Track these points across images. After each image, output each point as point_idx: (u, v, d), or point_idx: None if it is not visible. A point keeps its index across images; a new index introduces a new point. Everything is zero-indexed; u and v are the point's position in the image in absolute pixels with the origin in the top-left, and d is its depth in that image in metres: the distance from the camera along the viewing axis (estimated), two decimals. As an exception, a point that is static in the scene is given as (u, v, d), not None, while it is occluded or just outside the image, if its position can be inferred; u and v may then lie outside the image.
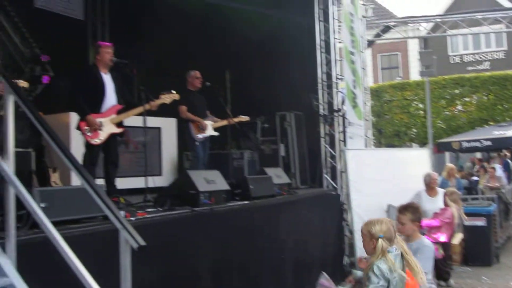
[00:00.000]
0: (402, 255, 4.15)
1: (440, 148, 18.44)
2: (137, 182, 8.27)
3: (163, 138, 10.58)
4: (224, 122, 8.69)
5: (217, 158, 9.42)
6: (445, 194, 8.84)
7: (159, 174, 10.38)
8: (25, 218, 4.12)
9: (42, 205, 4.16)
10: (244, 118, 8.97)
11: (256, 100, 11.11)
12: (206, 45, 11.50)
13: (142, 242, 3.29)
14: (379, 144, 22.90)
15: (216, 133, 8.74)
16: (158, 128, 10.39)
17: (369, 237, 4.14)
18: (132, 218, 5.19)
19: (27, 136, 9.09)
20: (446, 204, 8.62)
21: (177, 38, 11.78)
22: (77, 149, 9.21)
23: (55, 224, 3.81)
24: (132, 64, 6.74)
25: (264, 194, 7.73)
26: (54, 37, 11.60)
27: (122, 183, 7.06)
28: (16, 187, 3.63)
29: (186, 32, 11.74)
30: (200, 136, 8.49)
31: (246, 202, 7.21)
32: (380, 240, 4.06)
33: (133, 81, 6.68)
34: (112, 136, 6.65)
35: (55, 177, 8.84)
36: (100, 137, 6.52)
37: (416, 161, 11.64)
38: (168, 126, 10.48)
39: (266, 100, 11.16)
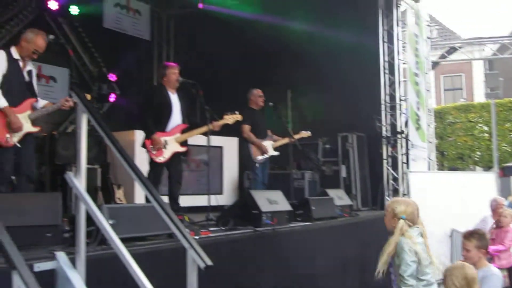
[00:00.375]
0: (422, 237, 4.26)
1: (506, 172, 17.89)
2: (197, 200, 8.35)
3: (225, 157, 10.64)
4: (284, 141, 8.66)
5: (277, 178, 9.39)
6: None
7: (220, 192, 10.43)
8: (94, 234, 4.21)
9: (110, 221, 4.23)
10: (305, 134, 8.95)
11: (318, 121, 11.07)
12: (268, 65, 11.55)
13: (209, 262, 3.29)
14: (441, 166, 22.41)
15: (276, 153, 8.73)
16: (220, 147, 10.46)
17: (392, 215, 4.29)
18: (196, 237, 5.21)
19: (94, 154, 9.35)
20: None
21: (238, 57, 11.91)
22: (141, 167, 9.46)
23: (122, 240, 3.88)
24: (198, 84, 6.82)
25: (326, 216, 7.66)
26: (121, 57, 11.95)
27: (183, 200, 7.11)
28: (87, 204, 3.70)
29: (248, 51, 11.84)
30: (259, 158, 8.50)
31: (308, 223, 7.15)
32: (401, 220, 4.20)
33: (199, 101, 6.73)
34: (176, 155, 6.75)
35: (119, 194, 9.02)
36: (164, 156, 6.64)
37: (481, 185, 11.30)
38: (230, 145, 10.53)
39: (328, 120, 11.08)
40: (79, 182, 3.79)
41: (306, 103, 11.03)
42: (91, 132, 10.13)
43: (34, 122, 5.71)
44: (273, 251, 6.15)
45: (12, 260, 2.31)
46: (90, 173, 9.28)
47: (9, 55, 5.51)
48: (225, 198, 10.20)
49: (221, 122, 6.95)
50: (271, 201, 6.56)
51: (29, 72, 5.74)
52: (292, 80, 11.53)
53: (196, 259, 3.30)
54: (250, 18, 11.79)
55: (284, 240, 6.42)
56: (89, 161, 9.29)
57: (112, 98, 12.02)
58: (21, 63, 5.62)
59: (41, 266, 3.67)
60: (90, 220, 3.87)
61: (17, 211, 3.99)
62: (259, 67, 11.61)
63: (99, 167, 9.32)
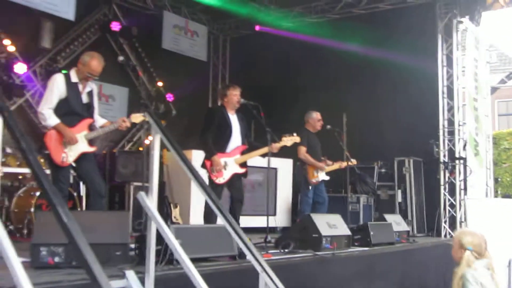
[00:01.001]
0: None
1: None
2: (251, 221, 8.36)
3: (279, 178, 10.64)
4: (336, 166, 8.63)
5: (332, 201, 9.31)
6: None
7: (274, 214, 10.39)
8: (162, 254, 4.24)
9: (178, 241, 4.25)
10: (353, 161, 8.83)
11: (374, 145, 10.96)
12: (323, 87, 11.55)
13: (282, 286, 3.26)
14: (495, 193, 21.78)
15: (327, 178, 8.66)
16: (275, 169, 10.45)
17: (458, 246, 4.16)
18: (258, 259, 5.19)
19: (152, 172, 9.43)
20: None
21: (293, 80, 11.96)
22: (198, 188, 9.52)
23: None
24: (259, 106, 6.83)
25: (384, 241, 7.54)
26: (178, 77, 12.15)
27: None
28: (159, 224, 3.73)
29: (303, 74, 11.88)
30: (314, 180, 8.45)
31: (366, 248, 7.05)
32: (468, 251, 4.08)
33: (260, 123, 6.74)
34: (236, 175, 6.75)
35: (175, 213, 9.08)
36: (224, 177, 6.66)
37: (540, 214, 10.92)
38: (284, 167, 10.52)
39: (384, 144, 10.97)
40: (150, 202, 3.82)
41: (362, 126, 10.92)
42: (148, 152, 10.28)
43: (91, 142, 5.81)
44: (332, 276, 6.07)
45: (98, 280, 2.33)
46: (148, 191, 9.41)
47: (67, 78, 5.61)
48: (278, 219, 10.18)
49: (279, 144, 6.91)
50: (331, 225, 6.51)
51: (89, 93, 5.84)
52: (347, 103, 11.44)
53: (269, 283, 3.28)
54: (306, 41, 11.83)
55: (343, 265, 6.34)
56: (147, 180, 9.48)
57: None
58: (80, 86, 5.71)
59: (113, 284, 3.71)
60: (157, 239, 3.90)
61: (89, 229, 4.04)
62: (315, 89, 11.63)
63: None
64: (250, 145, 7.00)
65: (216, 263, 4.80)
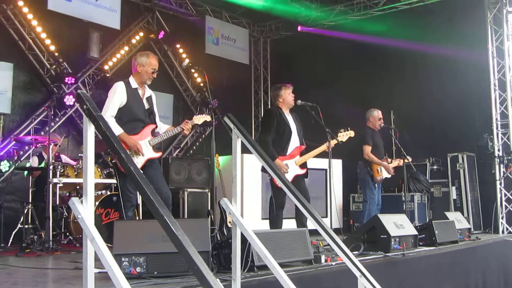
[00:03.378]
0: None
1: None
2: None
3: (328, 179, 10.46)
4: (395, 164, 8.43)
5: (386, 201, 9.12)
6: None
7: (325, 216, 10.23)
8: (245, 260, 4.13)
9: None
10: (409, 159, 8.64)
11: (424, 141, 10.74)
12: (369, 85, 11.38)
13: (382, 291, 3.12)
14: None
15: (389, 175, 8.47)
16: (325, 170, 10.28)
17: None
18: (333, 263, 5.06)
19: (204, 178, 9.40)
20: None
21: (337, 78, 11.80)
22: (251, 191, 9.44)
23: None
24: (318, 107, 6.70)
25: (448, 240, 7.33)
26: (222, 81, 12.09)
27: (288, 224, 6.93)
28: (244, 229, 3.62)
29: (347, 72, 11.71)
30: (379, 178, 8.28)
31: (432, 248, 6.85)
32: None
33: (319, 123, 6.61)
34: (298, 176, 6.61)
35: (230, 218, 8.99)
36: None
37: None
38: (334, 167, 10.35)
39: (435, 141, 10.73)
40: (234, 207, 3.71)
41: (411, 123, 10.70)
42: (199, 157, 10.24)
43: (156, 148, 5.74)
44: (403, 277, 5.91)
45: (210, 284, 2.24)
46: (201, 196, 9.37)
47: (128, 85, 5.56)
48: (329, 221, 10.03)
49: (335, 141, 6.77)
50: (398, 225, 6.33)
51: (149, 99, 5.77)
52: (395, 100, 11.26)
53: (368, 287, 3.13)
54: (349, 39, 11.67)
55: (412, 265, 6.18)
56: (200, 185, 9.44)
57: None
58: (140, 91, 5.65)
59: (200, 294, 3.61)
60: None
61: (170, 238, 3.97)
62: (360, 87, 11.45)
63: (208, 190, 9.39)
64: (306, 145, 6.87)
65: (296, 268, 4.68)
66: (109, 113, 5.42)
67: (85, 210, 2.70)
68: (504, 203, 9.92)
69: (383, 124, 8.52)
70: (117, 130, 5.37)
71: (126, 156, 2.66)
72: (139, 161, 5.48)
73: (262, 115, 13.42)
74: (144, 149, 5.52)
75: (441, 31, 10.54)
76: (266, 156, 3.70)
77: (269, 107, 12.84)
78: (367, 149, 8.21)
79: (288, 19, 12.62)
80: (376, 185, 8.21)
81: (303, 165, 6.71)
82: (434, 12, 10.87)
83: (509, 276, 8.88)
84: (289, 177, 6.50)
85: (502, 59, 10.04)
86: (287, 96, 6.79)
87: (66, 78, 9.42)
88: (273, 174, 3.65)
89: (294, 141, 6.71)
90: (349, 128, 7.12)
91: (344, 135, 7.01)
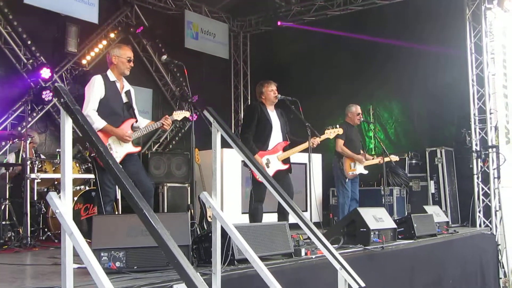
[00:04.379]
0: None
1: None
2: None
3: (308, 173, 10.49)
4: (376, 161, 8.49)
5: (364, 195, 9.19)
6: None
7: (305, 210, 10.26)
8: (225, 254, 4.12)
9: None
10: (394, 158, 8.70)
11: (403, 135, 10.84)
12: (348, 80, 11.44)
13: (362, 283, 3.14)
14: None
15: (365, 172, 8.51)
16: (304, 164, 10.29)
17: None
18: (313, 256, 5.08)
19: (184, 172, 9.38)
20: None
21: (317, 74, 11.83)
22: (230, 185, 9.42)
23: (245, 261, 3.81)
24: (298, 101, 6.72)
25: (427, 233, 7.41)
26: (201, 76, 12.05)
27: (269, 218, 6.93)
28: (226, 224, 3.62)
29: (328, 68, 11.74)
30: (351, 173, 8.31)
31: (411, 240, 6.92)
32: None
33: (299, 118, 6.62)
34: (280, 171, 6.62)
35: (210, 212, 8.98)
36: (267, 174, 6.50)
37: None
38: (313, 162, 10.36)
39: (414, 135, 10.84)
40: (214, 201, 3.70)
41: (390, 118, 10.78)
42: (179, 152, 10.20)
43: (135, 142, 5.71)
44: (382, 269, 5.97)
45: (194, 283, 2.23)
46: (181, 191, 9.35)
47: (105, 78, 5.53)
48: (309, 215, 10.07)
49: (322, 137, 6.81)
50: (377, 218, 6.38)
51: (127, 93, 5.73)
52: (374, 95, 11.35)
53: (348, 280, 3.17)
54: (329, 34, 11.67)
55: (391, 258, 6.25)
56: (179, 180, 9.42)
57: (194, 118, 12.07)
58: (118, 85, 5.62)
59: (180, 287, 3.60)
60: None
61: (150, 232, 3.94)
62: (340, 82, 11.49)
63: (188, 185, 9.37)
64: (291, 141, 6.88)
65: (276, 261, 4.69)
66: (90, 106, 5.36)
67: (63, 204, 2.68)
68: (481, 197, 10.04)
69: (362, 119, 8.57)
70: (101, 122, 5.33)
71: (104, 150, 2.64)
72: (118, 156, 5.44)
73: (242, 110, 13.43)
74: (125, 143, 5.50)
75: (422, 27, 10.57)
76: (246, 150, 3.69)
77: (250, 102, 12.93)
78: (339, 142, 8.25)
79: (269, 14, 12.58)
80: (347, 180, 8.23)
81: (286, 161, 6.72)
82: (415, 8, 10.89)
83: (485, 268, 9.02)
84: (270, 172, 6.52)
85: (480, 55, 10.13)
86: (269, 93, 6.80)
87: (42, 69, 9.30)
88: (253, 168, 3.63)
89: (276, 137, 6.72)
90: (337, 126, 7.22)
91: (332, 132, 7.08)
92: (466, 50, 10.15)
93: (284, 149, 6.71)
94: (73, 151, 7.93)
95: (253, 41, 13.78)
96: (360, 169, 8.40)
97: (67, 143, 2.73)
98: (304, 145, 6.71)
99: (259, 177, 6.38)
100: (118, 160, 5.42)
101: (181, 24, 11.95)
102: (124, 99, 5.66)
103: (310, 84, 11.65)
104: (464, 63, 10.15)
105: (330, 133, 6.97)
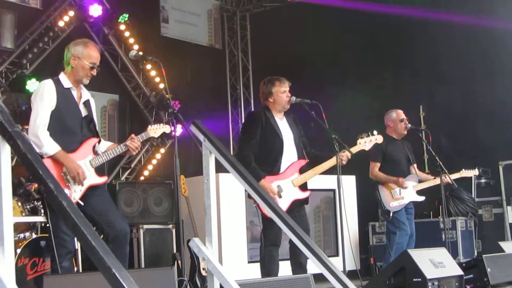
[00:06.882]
0: None
1: None
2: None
3: (337, 203, 10.49)
4: (436, 181, 8.41)
5: (420, 229, 9.17)
6: None
7: (335, 254, 10.26)
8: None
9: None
10: (464, 173, 8.66)
11: (466, 147, 10.82)
12: (386, 69, 11.58)
13: None
14: None
15: (421, 198, 8.48)
16: (333, 190, 10.30)
17: None
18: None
19: (166, 209, 9.41)
20: None
21: (341, 61, 11.90)
22: (231, 224, 9.41)
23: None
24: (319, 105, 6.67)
25: (505, 281, 7.38)
26: (186, 74, 12.14)
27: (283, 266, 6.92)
28: (225, 280, 3.62)
29: (352, 54, 11.80)
30: (395, 204, 8.28)
31: (483, 292, 6.93)
32: None
33: (323, 127, 6.58)
34: (296, 203, 6.60)
35: (204, 265, 8.98)
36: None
37: None
38: (345, 187, 10.36)
39: (481, 146, 10.80)
40: (209, 251, 3.71)
41: (448, 123, 10.79)
42: (158, 180, 10.23)
43: (98, 170, 5.67)
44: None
45: None
46: (163, 235, 9.36)
47: (58, 84, 5.50)
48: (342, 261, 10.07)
49: (355, 150, 6.72)
50: (436, 263, 6.37)
51: (86, 103, 5.73)
52: (423, 92, 11.35)
53: None
54: (353, 9, 11.64)
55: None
56: (160, 219, 9.43)
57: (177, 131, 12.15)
58: (75, 93, 5.61)
59: None
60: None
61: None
62: (373, 73, 11.60)
63: (173, 227, 9.37)
64: (310, 157, 6.86)
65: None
66: (39, 121, 5.34)
67: (2, 264, 2.67)
68: None
69: (409, 126, 8.53)
70: (52, 147, 5.31)
71: (56, 187, 2.64)
72: (77, 190, 5.43)
73: (242, 118, 13.42)
74: (85, 172, 5.48)
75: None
76: (249, 177, 3.70)
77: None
78: (372, 166, 8.40)
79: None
80: (392, 214, 8.26)
81: (304, 187, 6.70)
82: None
83: None
84: (285, 203, 6.48)
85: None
86: (280, 95, 6.71)
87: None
88: (259, 200, 3.64)
89: (289, 155, 6.68)
90: (375, 132, 6.97)
91: (368, 142, 6.88)
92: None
93: (301, 170, 6.66)
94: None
95: (254, 23, 13.84)
96: (410, 195, 8.36)
97: (5, 178, 2.74)
98: (330, 163, 6.63)
99: (268, 212, 6.43)
100: (78, 195, 5.43)
101: (155, 5, 12.03)
102: (83, 112, 5.67)
103: (329, 77, 11.67)
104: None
105: (365, 143, 6.83)
